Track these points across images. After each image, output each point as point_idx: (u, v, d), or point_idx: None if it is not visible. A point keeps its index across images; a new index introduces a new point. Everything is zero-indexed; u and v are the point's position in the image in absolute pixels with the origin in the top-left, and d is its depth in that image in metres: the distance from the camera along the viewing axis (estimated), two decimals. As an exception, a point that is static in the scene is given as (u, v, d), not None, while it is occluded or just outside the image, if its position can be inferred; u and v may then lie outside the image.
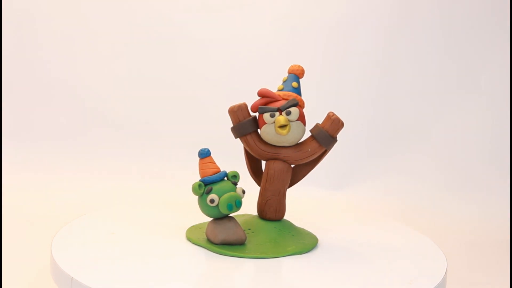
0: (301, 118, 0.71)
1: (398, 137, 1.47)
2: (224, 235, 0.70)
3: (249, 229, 0.74)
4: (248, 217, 0.76)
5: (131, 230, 0.75)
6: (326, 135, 0.72)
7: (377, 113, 1.48)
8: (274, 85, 0.75)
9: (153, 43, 1.49)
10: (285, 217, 0.76)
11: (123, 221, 0.78)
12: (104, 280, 0.62)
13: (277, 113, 0.70)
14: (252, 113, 0.73)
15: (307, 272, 0.66)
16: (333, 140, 0.72)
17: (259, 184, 0.75)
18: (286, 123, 0.70)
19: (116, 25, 1.49)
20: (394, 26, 1.48)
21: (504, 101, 1.46)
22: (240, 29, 1.49)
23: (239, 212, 0.75)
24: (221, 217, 0.70)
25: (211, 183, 0.69)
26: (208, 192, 0.69)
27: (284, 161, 0.73)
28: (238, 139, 0.74)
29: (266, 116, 0.71)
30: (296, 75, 0.74)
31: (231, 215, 0.71)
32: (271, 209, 0.74)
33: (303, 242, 0.73)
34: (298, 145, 0.73)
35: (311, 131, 0.73)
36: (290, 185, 0.75)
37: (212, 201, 0.68)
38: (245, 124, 0.73)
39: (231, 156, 0.93)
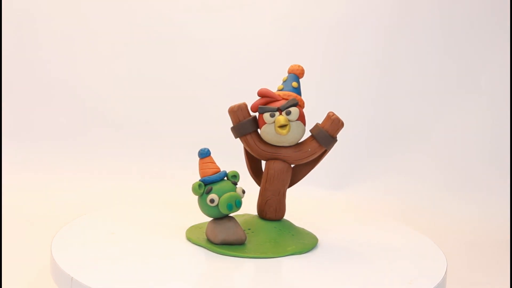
0: (301, 118, 0.71)
1: (398, 137, 1.47)
2: (224, 235, 0.70)
3: (249, 229, 0.74)
4: (248, 217, 0.76)
5: (131, 230, 0.75)
6: (326, 135, 0.72)
7: (377, 113, 1.48)
8: (274, 85, 0.75)
9: (153, 43, 1.49)
10: (285, 217, 0.76)
11: (123, 221, 0.78)
12: (104, 280, 0.62)
13: (277, 113, 0.70)
14: (252, 113, 0.73)
15: (307, 272, 0.67)
16: (333, 140, 0.72)
17: (259, 184, 0.75)
18: (286, 123, 0.70)
19: (116, 25, 1.49)
20: (394, 26, 1.48)
21: (504, 101, 1.46)
22: (240, 29, 1.49)
23: (239, 212, 0.75)
24: (221, 217, 0.71)
25: (211, 183, 0.69)
26: (208, 192, 0.69)
27: (284, 161, 0.73)
28: (238, 139, 0.74)
29: (266, 116, 0.71)
30: (296, 75, 0.74)
31: (231, 215, 0.71)
32: (271, 209, 0.74)
33: (303, 242, 0.73)
34: (298, 145, 0.73)
35: (311, 131, 0.73)
36: (290, 185, 0.75)
37: (212, 201, 0.68)
38: (245, 124, 0.73)
39: (231, 156, 0.93)
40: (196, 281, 0.64)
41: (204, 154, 0.70)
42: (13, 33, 1.47)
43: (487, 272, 1.04)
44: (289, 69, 0.74)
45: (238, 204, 0.69)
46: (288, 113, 0.70)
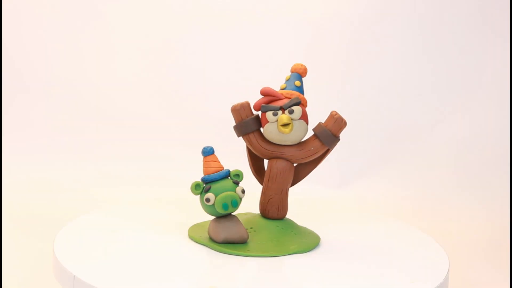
0: (304, 117, 0.71)
1: (399, 137, 1.47)
2: (226, 234, 0.70)
3: (251, 228, 0.74)
4: (250, 216, 0.76)
5: (134, 228, 0.75)
6: (329, 134, 0.72)
7: (380, 113, 1.48)
8: (277, 84, 0.75)
9: (155, 40, 1.49)
10: (288, 216, 0.76)
11: (126, 219, 0.78)
12: (106, 278, 0.62)
13: (279, 112, 0.70)
14: (254, 112, 0.73)
15: (309, 271, 0.67)
16: (336, 139, 0.72)
17: (261, 182, 0.75)
18: (288, 122, 0.70)
19: (116, 24, 1.49)
20: (395, 26, 1.48)
21: (504, 101, 1.46)
22: (243, 28, 1.49)
23: (241, 211, 0.75)
24: (223, 216, 0.71)
25: (211, 181, 0.69)
26: (207, 191, 0.69)
27: (286, 159, 0.73)
28: (241, 137, 0.74)
29: (269, 114, 0.71)
30: (299, 73, 0.74)
31: (233, 213, 0.71)
32: (274, 208, 0.74)
33: (305, 241, 0.73)
34: (300, 144, 0.73)
35: (314, 130, 0.73)
36: (293, 184, 0.75)
37: (207, 200, 0.68)
38: (247, 123, 0.73)
39: (234, 154, 0.93)
40: (198, 280, 0.64)
41: (207, 152, 0.70)
42: (14, 32, 1.47)
43: (489, 272, 1.04)
44: (292, 68, 0.74)
45: (234, 204, 0.69)
46: (291, 112, 0.70)
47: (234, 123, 0.74)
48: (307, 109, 0.72)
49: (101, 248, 0.69)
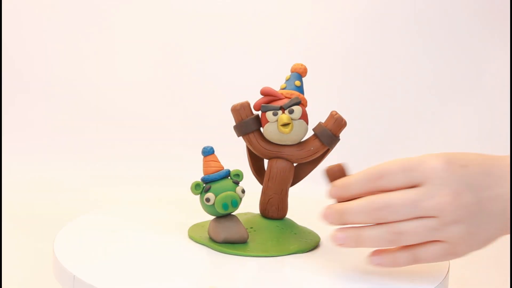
0: (304, 117, 0.71)
1: (400, 137, 1.47)
2: (226, 234, 0.70)
3: (251, 228, 0.74)
4: (250, 216, 0.76)
5: (134, 228, 0.75)
6: (329, 134, 0.72)
7: (379, 113, 1.48)
8: (277, 84, 0.75)
9: (155, 41, 1.49)
10: (288, 216, 0.76)
11: (126, 219, 0.78)
12: (107, 278, 0.62)
13: (279, 112, 0.70)
14: (254, 112, 0.73)
15: (309, 271, 0.67)
16: (336, 139, 0.72)
17: (261, 182, 0.75)
18: (288, 122, 0.70)
19: (116, 24, 1.49)
20: (395, 25, 1.48)
21: (505, 101, 1.46)
22: (243, 28, 1.49)
23: (242, 211, 0.75)
24: (223, 216, 0.71)
25: (211, 181, 0.69)
26: (207, 191, 0.69)
27: (286, 159, 0.73)
28: (241, 137, 0.74)
29: (269, 114, 0.71)
30: (299, 73, 0.74)
31: (233, 213, 0.71)
32: (274, 208, 0.74)
33: (305, 241, 0.73)
34: (300, 143, 0.73)
35: (314, 129, 0.73)
36: (293, 184, 0.75)
37: (207, 200, 0.68)
38: (247, 123, 0.73)
39: (234, 154, 0.93)
40: (198, 280, 0.64)
41: (207, 152, 0.70)
42: (13, 30, 1.47)
43: (490, 272, 1.04)
44: (292, 68, 0.74)
45: (234, 204, 0.69)
46: (291, 112, 0.70)
47: (234, 123, 0.74)
48: (307, 109, 0.72)
49: (101, 248, 0.69)
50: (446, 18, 1.49)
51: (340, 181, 0.65)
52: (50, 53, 1.48)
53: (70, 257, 0.66)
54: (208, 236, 0.72)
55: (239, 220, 0.71)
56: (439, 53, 1.49)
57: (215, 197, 0.69)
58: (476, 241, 0.63)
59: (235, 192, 0.69)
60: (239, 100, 0.74)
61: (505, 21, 1.46)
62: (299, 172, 0.76)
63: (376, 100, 1.48)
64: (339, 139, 0.73)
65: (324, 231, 0.78)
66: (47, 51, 1.49)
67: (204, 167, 0.70)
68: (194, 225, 0.76)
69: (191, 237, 0.73)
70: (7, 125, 1.44)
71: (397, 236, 0.61)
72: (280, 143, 0.72)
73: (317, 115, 0.80)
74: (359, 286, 0.64)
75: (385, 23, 1.48)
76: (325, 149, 0.73)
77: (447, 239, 0.61)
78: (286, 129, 0.70)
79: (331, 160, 0.81)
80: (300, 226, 0.76)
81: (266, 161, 0.75)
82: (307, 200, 0.85)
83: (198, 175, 0.71)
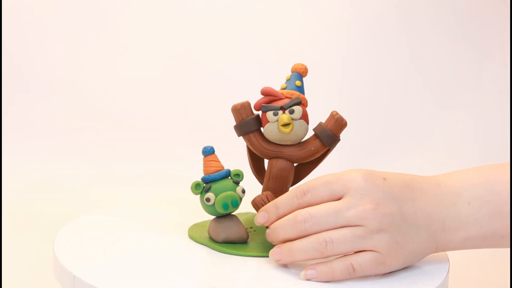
0: (304, 117, 0.71)
1: (400, 137, 1.47)
2: (227, 233, 0.70)
3: (251, 228, 0.74)
4: (250, 216, 0.76)
5: (134, 228, 0.75)
6: (329, 134, 0.72)
7: (379, 113, 1.48)
8: (277, 84, 0.75)
9: (155, 41, 1.49)
10: (288, 216, 0.76)
11: (126, 219, 0.78)
12: (106, 278, 0.62)
13: (280, 112, 0.70)
14: (255, 112, 0.73)
15: (309, 271, 0.66)
16: (336, 139, 0.72)
17: (261, 182, 0.75)
18: (289, 122, 0.70)
19: (117, 24, 1.49)
20: (395, 25, 1.48)
21: (505, 101, 1.46)
22: (243, 28, 1.49)
23: (242, 211, 0.75)
24: (223, 216, 0.71)
25: (211, 181, 0.69)
26: (207, 191, 0.69)
27: (287, 159, 0.73)
28: (241, 137, 0.74)
29: (269, 114, 0.71)
30: (299, 73, 0.74)
31: (233, 213, 0.71)
32: (274, 208, 0.74)
33: (305, 241, 0.73)
34: (301, 143, 0.73)
35: (314, 130, 0.73)
36: (293, 184, 0.75)
37: (208, 199, 0.69)
38: (248, 123, 0.73)
39: (234, 154, 0.93)
40: (198, 280, 0.64)
41: (207, 152, 0.70)
42: (13, 30, 1.47)
43: (490, 272, 1.04)
44: (292, 68, 0.74)
45: (234, 204, 0.69)
46: (291, 112, 0.70)
47: (234, 123, 0.74)
48: (307, 109, 0.72)
49: (101, 248, 0.69)
50: (446, 18, 1.49)
51: (269, 204, 0.68)
52: (50, 52, 1.48)
53: (70, 257, 0.66)
54: (208, 236, 0.72)
55: (239, 220, 0.71)
56: (439, 54, 1.49)
57: (215, 197, 0.69)
58: (405, 252, 0.64)
59: (235, 192, 0.70)
60: (239, 99, 0.74)
61: (505, 21, 1.46)
62: (300, 172, 0.76)
63: (376, 100, 1.48)
64: (339, 139, 0.73)
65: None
66: (47, 51, 1.48)
67: (204, 167, 0.70)
68: (194, 225, 0.76)
69: (191, 237, 0.73)
70: (7, 125, 1.43)
71: (326, 244, 0.63)
72: (281, 143, 0.72)
73: (317, 115, 0.80)
74: (359, 286, 0.63)
75: (385, 24, 1.48)
76: (326, 149, 0.73)
77: (376, 248, 0.63)
78: (287, 129, 0.70)
79: (331, 160, 0.81)
80: (300, 226, 0.76)
81: (266, 161, 0.75)
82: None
83: (198, 175, 0.71)
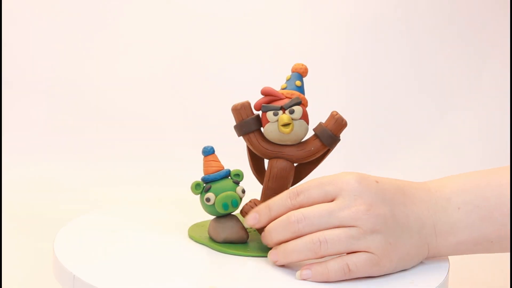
0: (304, 117, 0.71)
1: (400, 137, 1.47)
2: (227, 234, 0.70)
3: (251, 228, 0.74)
4: (250, 216, 0.76)
5: (134, 228, 0.75)
6: (329, 134, 0.72)
7: (380, 113, 1.48)
8: (277, 84, 0.75)
9: (155, 42, 1.49)
10: (288, 216, 0.76)
11: (126, 219, 0.78)
12: (106, 278, 0.62)
13: (280, 112, 0.70)
14: (255, 112, 0.73)
15: (309, 271, 0.66)
16: (337, 139, 0.72)
17: (261, 182, 0.75)
18: (289, 122, 0.70)
19: (117, 24, 1.49)
20: (395, 25, 1.48)
21: (505, 101, 1.46)
22: (243, 28, 1.49)
23: (242, 211, 0.75)
24: (223, 216, 0.71)
25: (211, 181, 0.69)
26: (207, 191, 0.69)
27: (287, 159, 0.73)
28: (241, 137, 0.74)
29: (269, 114, 0.71)
30: (299, 73, 0.74)
31: (233, 213, 0.71)
32: (274, 208, 0.74)
33: (305, 241, 0.73)
34: (301, 144, 0.73)
35: (314, 130, 0.73)
36: (293, 184, 0.75)
37: (208, 199, 0.69)
38: (248, 123, 0.73)
39: (234, 154, 0.93)
40: (198, 280, 0.64)
41: (207, 152, 0.70)
42: (14, 30, 1.47)
43: (490, 272, 1.04)
44: (292, 68, 0.74)
45: (234, 204, 0.69)
46: (292, 112, 0.70)
47: (234, 123, 0.74)
48: (307, 109, 0.72)
49: (101, 248, 0.69)
50: (446, 19, 1.49)
51: (261, 205, 0.68)
52: (50, 52, 1.48)
53: (70, 257, 0.66)
54: (208, 236, 0.72)
55: (239, 220, 0.71)
56: (439, 54, 1.49)
57: (215, 197, 0.69)
58: (398, 254, 0.64)
59: (235, 192, 0.70)
60: (239, 99, 0.74)
61: (505, 22, 1.46)
62: (300, 172, 0.76)
63: (377, 100, 1.48)
64: (339, 140, 0.73)
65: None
66: (47, 51, 1.48)
67: (204, 167, 0.70)
68: (194, 225, 0.76)
69: (191, 237, 0.73)
70: (7, 125, 1.43)
71: (320, 244, 0.63)
72: (281, 143, 0.72)
73: (317, 115, 0.80)
74: (359, 286, 0.64)
75: (386, 24, 1.48)
76: (326, 149, 0.73)
77: (370, 249, 0.63)
78: (287, 129, 0.70)
79: (331, 160, 0.81)
80: (300, 226, 0.76)
81: (266, 161, 0.75)
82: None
83: (198, 175, 0.71)
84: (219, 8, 1.50)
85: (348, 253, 0.64)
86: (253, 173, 0.76)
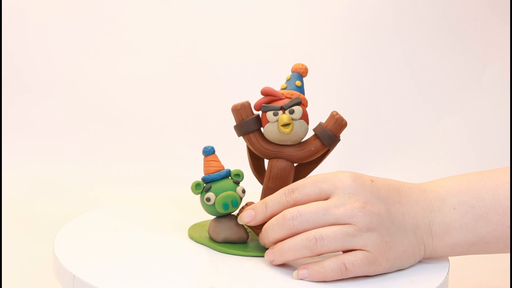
0: (304, 117, 0.71)
1: (400, 138, 1.47)
2: (226, 233, 0.70)
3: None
4: (250, 216, 0.76)
5: (134, 228, 0.75)
6: (329, 135, 0.72)
7: (380, 113, 1.48)
8: (277, 84, 0.75)
9: (156, 42, 1.49)
10: (288, 216, 0.76)
11: (126, 218, 0.78)
12: (106, 278, 0.62)
13: (280, 112, 0.70)
14: (255, 112, 0.73)
15: (309, 271, 0.66)
16: (336, 139, 0.72)
17: (261, 182, 0.75)
18: (289, 122, 0.70)
19: (118, 24, 1.49)
20: (394, 26, 1.48)
21: (504, 103, 1.46)
22: (243, 28, 1.49)
23: (242, 211, 0.75)
24: (223, 215, 0.71)
25: (211, 181, 0.69)
26: (207, 191, 0.69)
27: (287, 159, 0.73)
28: (241, 137, 0.74)
29: (269, 114, 0.71)
30: (299, 73, 0.74)
31: (233, 213, 0.71)
32: (274, 208, 0.74)
33: (305, 241, 0.73)
34: (301, 144, 0.73)
35: (314, 130, 0.73)
36: (293, 184, 0.75)
37: (208, 199, 0.69)
38: (248, 123, 0.73)
39: (234, 154, 0.93)
40: (198, 280, 0.64)
41: (208, 152, 0.71)
42: (14, 29, 1.47)
43: (490, 272, 1.04)
44: (292, 68, 0.74)
45: (234, 204, 0.69)
46: (292, 112, 0.70)
47: (234, 123, 0.74)
48: (307, 109, 0.72)
49: (101, 248, 0.69)
50: (444, 20, 1.49)
51: (258, 202, 0.69)
52: (51, 52, 1.48)
53: (70, 256, 0.66)
54: (208, 236, 0.72)
55: (239, 220, 0.71)
56: (437, 55, 1.49)
57: (216, 197, 0.69)
58: (394, 252, 0.64)
59: (235, 192, 0.70)
60: (239, 99, 0.74)
61: (504, 25, 1.46)
62: (300, 172, 0.76)
63: (376, 100, 1.48)
64: (339, 140, 0.73)
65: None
66: (47, 51, 1.48)
67: (204, 166, 0.70)
68: (194, 224, 0.76)
69: (191, 237, 0.73)
70: (7, 125, 1.43)
71: (315, 241, 0.63)
72: (281, 143, 0.72)
73: (317, 115, 0.80)
74: (359, 286, 0.64)
75: (384, 25, 1.48)
76: (326, 149, 0.73)
77: (366, 247, 0.63)
78: (287, 129, 0.70)
79: (331, 160, 0.81)
80: (300, 226, 0.76)
81: (266, 161, 0.75)
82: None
83: (198, 175, 0.71)
84: (220, 8, 1.50)
85: (344, 252, 0.64)
86: (253, 173, 0.76)
